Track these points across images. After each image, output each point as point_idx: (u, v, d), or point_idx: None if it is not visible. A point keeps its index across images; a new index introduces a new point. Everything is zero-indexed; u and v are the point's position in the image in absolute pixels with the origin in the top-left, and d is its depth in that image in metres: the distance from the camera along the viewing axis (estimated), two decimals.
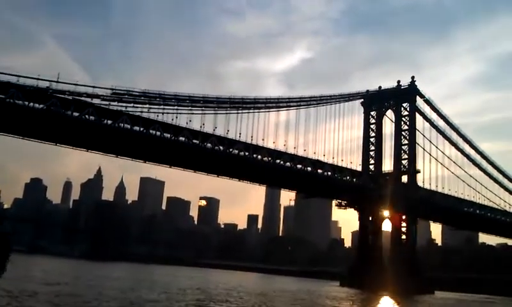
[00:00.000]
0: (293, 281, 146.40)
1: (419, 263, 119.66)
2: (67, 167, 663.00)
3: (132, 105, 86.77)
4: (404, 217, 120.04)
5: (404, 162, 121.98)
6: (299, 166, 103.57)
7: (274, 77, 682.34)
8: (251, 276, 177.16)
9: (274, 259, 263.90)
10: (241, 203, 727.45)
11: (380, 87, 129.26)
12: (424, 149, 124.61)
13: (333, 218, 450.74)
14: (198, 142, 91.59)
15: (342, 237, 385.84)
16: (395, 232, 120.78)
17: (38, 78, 76.98)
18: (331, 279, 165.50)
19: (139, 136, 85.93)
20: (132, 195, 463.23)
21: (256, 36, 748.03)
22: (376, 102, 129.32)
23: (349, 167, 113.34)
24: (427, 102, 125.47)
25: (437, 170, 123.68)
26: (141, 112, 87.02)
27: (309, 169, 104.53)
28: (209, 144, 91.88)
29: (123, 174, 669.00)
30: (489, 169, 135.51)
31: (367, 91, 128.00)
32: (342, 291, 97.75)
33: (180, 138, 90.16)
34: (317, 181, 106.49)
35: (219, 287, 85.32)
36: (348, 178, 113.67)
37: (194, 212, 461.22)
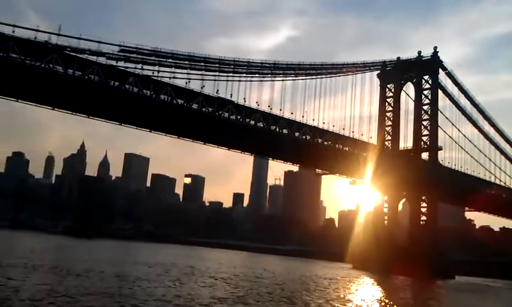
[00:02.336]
0: (293, 262, 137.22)
1: (440, 245, 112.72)
2: (49, 141, 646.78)
3: (140, 66, 77.10)
4: (424, 197, 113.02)
5: (424, 138, 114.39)
6: (319, 140, 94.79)
7: (259, 55, 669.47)
8: (244, 255, 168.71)
9: (265, 238, 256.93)
10: (226, 181, 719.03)
11: (399, 57, 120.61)
12: (441, 128, 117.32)
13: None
14: (212, 110, 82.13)
15: (330, 217, 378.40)
16: (414, 212, 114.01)
17: (36, 30, 66.58)
18: (331, 260, 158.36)
19: (149, 102, 76.16)
20: (116, 171, 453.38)
21: (240, 14, 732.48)
22: (393, 74, 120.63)
23: (370, 142, 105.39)
24: (449, 75, 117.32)
25: (458, 149, 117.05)
26: (152, 74, 77.33)
27: (330, 143, 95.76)
28: (226, 113, 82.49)
29: (107, 149, 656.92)
30: (508, 149, 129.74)
31: (384, 61, 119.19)
32: (366, 277, 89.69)
33: (194, 105, 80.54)
34: (339, 157, 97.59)
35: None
36: (365, 154, 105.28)
37: (179, 190, 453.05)
